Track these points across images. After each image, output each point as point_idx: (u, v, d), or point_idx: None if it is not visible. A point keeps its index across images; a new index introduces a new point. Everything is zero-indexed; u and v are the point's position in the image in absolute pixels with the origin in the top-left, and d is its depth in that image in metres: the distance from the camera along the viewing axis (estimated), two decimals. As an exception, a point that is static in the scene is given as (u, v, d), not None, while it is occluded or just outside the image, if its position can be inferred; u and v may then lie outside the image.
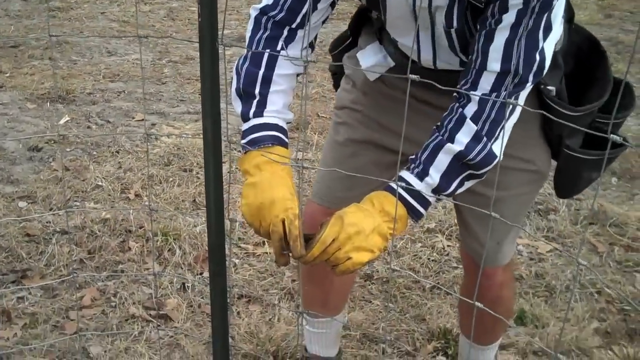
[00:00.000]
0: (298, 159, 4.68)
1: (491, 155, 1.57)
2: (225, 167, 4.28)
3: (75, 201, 3.82)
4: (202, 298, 2.97)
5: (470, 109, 1.57)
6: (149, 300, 2.95)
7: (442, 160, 1.58)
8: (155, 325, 2.80)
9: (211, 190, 1.61)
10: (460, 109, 1.58)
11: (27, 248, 3.26)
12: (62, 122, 4.85)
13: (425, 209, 1.62)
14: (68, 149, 4.44)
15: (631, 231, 3.70)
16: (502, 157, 1.58)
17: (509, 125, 1.60)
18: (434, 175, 1.58)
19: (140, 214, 3.65)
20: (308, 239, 1.58)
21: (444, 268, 3.33)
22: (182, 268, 3.21)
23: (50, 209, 3.70)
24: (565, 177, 1.91)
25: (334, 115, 2.10)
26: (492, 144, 1.57)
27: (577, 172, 1.86)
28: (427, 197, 1.60)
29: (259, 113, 1.68)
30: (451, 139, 1.57)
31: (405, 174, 1.61)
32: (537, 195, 2.01)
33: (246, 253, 3.37)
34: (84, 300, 2.92)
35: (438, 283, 3.20)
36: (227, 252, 1.76)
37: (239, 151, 1.76)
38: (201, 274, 3.16)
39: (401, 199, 1.58)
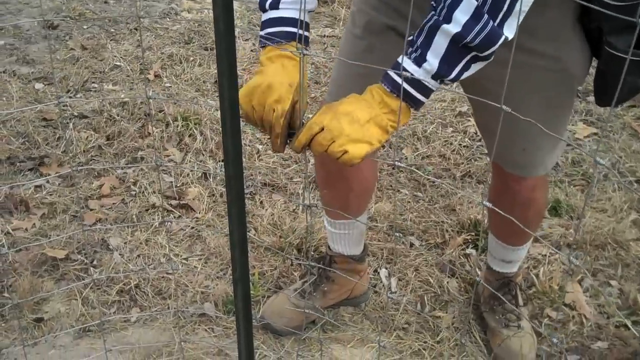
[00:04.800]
0: (324, 35, 4.47)
1: (494, 35, 1.35)
2: (248, 45, 4.11)
3: (93, 82, 3.69)
4: (225, 187, 2.87)
5: None
6: (169, 189, 2.86)
7: (440, 43, 1.38)
8: (176, 215, 2.72)
9: (225, 71, 1.40)
10: None
11: (44, 134, 3.16)
12: (78, -3, 4.65)
13: (426, 96, 1.45)
14: (85, 27, 4.27)
15: (676, 115, 3.50)
16: (515, 35, 1.28)
17: (526, 2, 1.38)
18: (432, 61, 1.39)
19: (161, 96, 3.52)
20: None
21: (476, 155, 3.18)
22: (203, 155, 3.10)
23: (68, 91, 3.57)
24: (606, 82, 1.65)
25: (352, 3, 1.91)
26: (496, 22, 1.34)
27: (619, 76, 1.51)
28: (427, 84, 1.42)
29: (274, 4, 1.56)
30: (448, 19, 1.36)
31: (402, 59, 1.41)
32: (571, 100, 1.78)
33: (269, 139, 3.24)
34: (103, 189, 2.84)
35: (469, 171, 3.06)
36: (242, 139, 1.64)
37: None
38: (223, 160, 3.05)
39: (395, 85, 1.42)
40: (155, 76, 3.77)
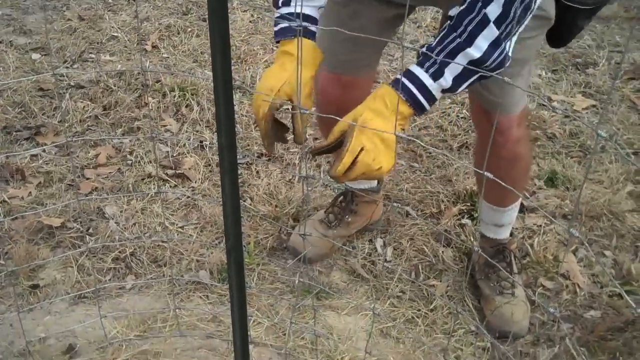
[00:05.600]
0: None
1: (506, 58, 1.50)
2: (247, 16, 4.09)
3: (90, 53, 3.67)
4: (220, 157, 2.87)
5: (494, 11, 1.45)
6: (165, 158, 2.86)
7: (459, 64, 1.49)
8: (172, 185, 2.72)
9: (217, 42, 1.40)
10: (483, 9, 1.45)
11: (40, 103, 3.16)
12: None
13: (431, 106, 1.56)
14: (82, -3, 4.24)
15: (675, 87, 3.49)
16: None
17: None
18: (448, 78, 1.50)
19: (158, 67, 3.51)
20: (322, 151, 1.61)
21: (473, 127, 3.17)
22: (199, 125, 3.09)
23: (65, 62, 3.56)
24: (561, 28, 1.89)
25: None
26: (507, 44, 1.48)
27: (574, 22, 1.86)
28: (435, 95, 1.53)
29: (286, 1, 1.68)
30: (470, 43, 1.47)
31: (418, 70, 1.51)
32: (540, 43, 1.94)
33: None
34: (99, 158, 2.84)
35: (466, 142, 3.06)
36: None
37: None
38: (220, 131, 3.05)
39: (412, 97, 1.51)
40: (153, 47, 3.75)
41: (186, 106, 3.19)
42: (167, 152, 2.91)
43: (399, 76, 1.53)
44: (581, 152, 3.05)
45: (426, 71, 1.51)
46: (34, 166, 2.76)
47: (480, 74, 1.50)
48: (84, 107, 3.15)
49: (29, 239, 2.37)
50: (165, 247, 2.38)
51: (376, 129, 1.50)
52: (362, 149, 1.51)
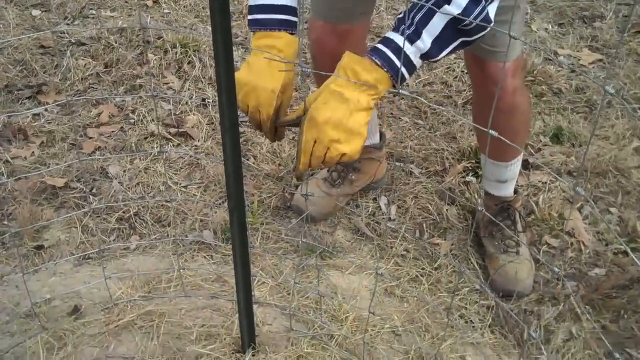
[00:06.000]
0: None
1: (487, 20, 1.44)
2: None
3: (91, 9, 3.63)
4: (223, 115, 2.85)
5: None
6: (168, 117, 2.84)
7: (437, 24, 1.43)
8: (175, 144, 2.71)
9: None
10: None
11: (41, 61, 3.13)
12: None
13: (410, 74, 1.51)
14: (81, -49, 4.17)
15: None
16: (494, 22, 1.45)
17: None
18: (426, 40, 1.45)
19: (159, 23, 3.47)
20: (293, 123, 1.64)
21: (479, 82, 3.14)
22: (202, 82, 3.06)
23: (65, 18, 3.52)
24: None
25: None
26: (488, 5, 1.43)
27: None
28: (414, 61, 1.48)
29: None
30: (448, 0, 1.41)
31: (393, 35, 1.47)
32: None
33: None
34: (101, 117, 2.83)
35: (471, 99, 3.02)
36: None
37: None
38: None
39: (387, 60, 1.46)
40: (154, 2, 3.71)
41: (188, 63, 3.16)
42: (170, 110, 2.89)
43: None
44: (587, 108, 3.02)
45: (401, 34, 1.46)
46: (36, 125, 2.75)
47: (462, 38, 1.46)
48: (85, 64, 3.12)
49: (32, 200, 2.36)
50: (168, 206, 2.37)
51: (327, 115, 1.47)
52: (315, 141, 1.50)
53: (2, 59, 3.13)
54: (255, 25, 1.65)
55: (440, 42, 1.44)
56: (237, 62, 3.12)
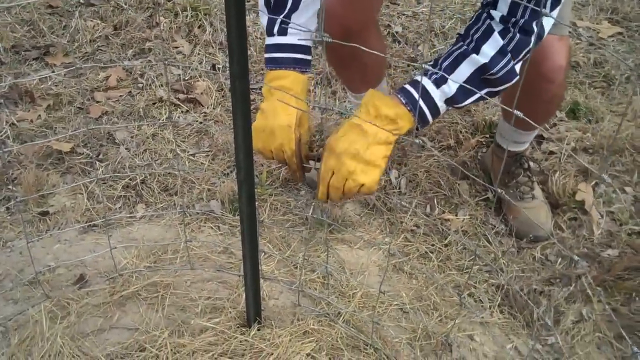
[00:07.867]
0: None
1: (512, 73, 1.52)
2: None
3: (100, -31, 3.55)
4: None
5: (498, 25, 1.50)
6: (177, 82, 2.79)
7: (464, 71, 1.51)
8: (184, 110, 2.66)
9: None
10: (488, 20, 1.50)
11: (49, 22, 3.07)
12: None
13: (434, 117, 1.58)
14: None
15: None
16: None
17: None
18: (452, 85, 1.52)
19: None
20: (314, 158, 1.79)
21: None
22: (212, 47, 3.01)
23: (74, -22, 3.45)
24: None
25: None
26: (515, 63, 1.51)
27: None
28: (439, 105, 1.56)
29: (282, 31, 1.70)
30: (477, 50, 1.50)
31: (421, 78, 1.50)
32: None
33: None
34: (109, 80, 2.78)
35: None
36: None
37: None
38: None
39: (412, 101, 1.54)
40: (165, -37, 3.63)
41: (199, 27, 3.10)
42: (179, 75, 2.83)
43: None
44: (605, 83, 2.95)
45: (429, 77, 1.54)
46: (43, 88, 2.70)
47: (488, 89, 1.51)
48: (93, 26, 3.06)
49: (38, 164, 2.33)
50: (176, 175, 2.34)
51: (345, 147, 1.54)
52: (333, 172, 1.58)
53: (10, 19, 3.07)
54: (272, 63, 1.72)
55: (465, 89, 1.51)
56: (249, 26, 3.05)
